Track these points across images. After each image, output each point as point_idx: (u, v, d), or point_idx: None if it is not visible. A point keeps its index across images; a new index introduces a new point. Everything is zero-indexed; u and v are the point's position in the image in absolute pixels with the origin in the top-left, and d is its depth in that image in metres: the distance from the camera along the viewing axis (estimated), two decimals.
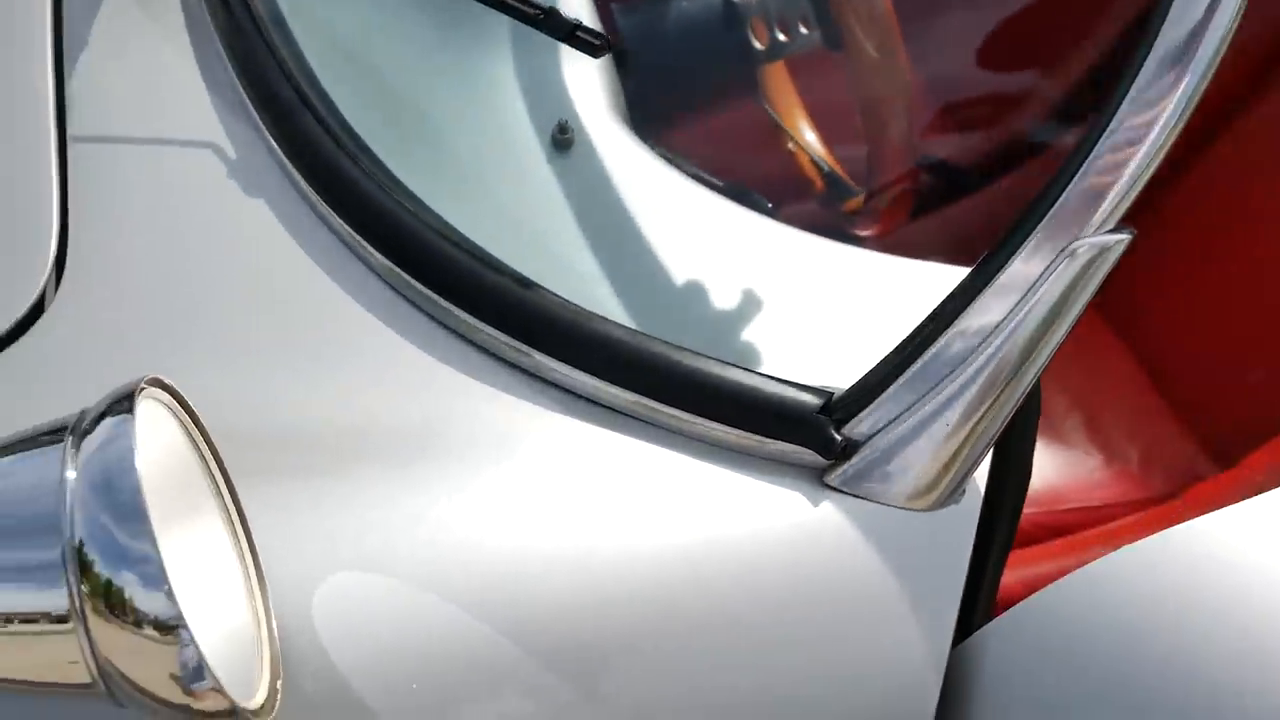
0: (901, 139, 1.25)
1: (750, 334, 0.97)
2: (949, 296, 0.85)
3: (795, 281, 1.00)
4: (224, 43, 1.07)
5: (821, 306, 0.99)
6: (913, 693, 0.87)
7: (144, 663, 0.69)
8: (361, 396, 0.92)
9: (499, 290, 0.92)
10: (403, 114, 1.10)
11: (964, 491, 0.87)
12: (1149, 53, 0.77)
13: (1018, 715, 0.88)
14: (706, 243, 1.02)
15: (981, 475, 0.88)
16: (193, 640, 0.69)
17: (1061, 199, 0.80)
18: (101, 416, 0.71)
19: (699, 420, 0.89)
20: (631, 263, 1.01)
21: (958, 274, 0.90)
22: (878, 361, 0.87)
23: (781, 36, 1.25)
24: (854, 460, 0.86)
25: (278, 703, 0.77)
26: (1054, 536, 1.20)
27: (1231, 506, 0.87)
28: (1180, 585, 0.85)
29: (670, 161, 1.07)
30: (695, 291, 1.00)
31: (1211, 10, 0.76)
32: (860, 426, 0.86)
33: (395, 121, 1.08)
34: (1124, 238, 0.79)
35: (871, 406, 0.86)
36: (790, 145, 1.29)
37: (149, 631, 0.68)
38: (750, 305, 0.98)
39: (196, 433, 0.80)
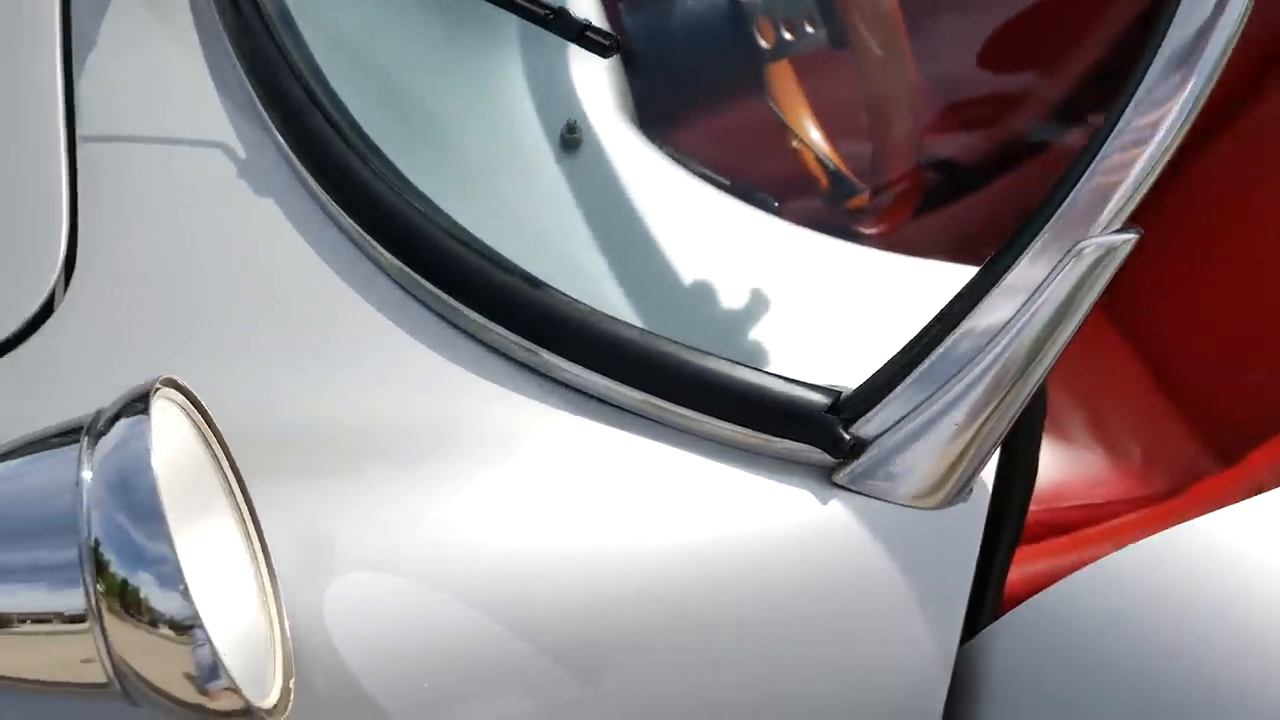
0: (906, 137, 1.26)
1: (755, 332, 0.97)
2: (956, 296, 0.85)
3: (801, 280, 1.00)
4: (232, 42, 1.07)
5: (828, 305, 0.99)
6: (921, 689, 0.87)
7: (159, 662, 0.70)
8: (370, 395, 0.92)
9: (507, 289, 0.93)
10: (411, 113, 1.10)
11: (971, 490, 0.88)
12: (1156, 53, 0.78)
13: (1025, 712, 0.89)
14: (714, 242, 1.03)
15: (988, 474, 0.89)
16: (208, 639, 0.69)
17: (1069, 199, 0.80)
18: (117, 417, 0.71)
19: (707, 419, 0.89)
20: (639, 262, 1.01)
21: (962, 272, 0.91)
22: (886, 361, 0.87)
23: (787, 35, 1.25)
24: (862, 459, 0.87)
25: (291, 702, 0.77)
26: (1056, 534, 1.20)
27: (1237, 505, 0.88)
28: (1187, 583, 0.85)
29: (678, 161, 1.07)
30: (702, 290, 1.00)
31: (1218, 11, 0.76)
32: (868, 425, 0.87)
33: (404, 121, 1.08)
34: (1130, 237, 0.80)
35: (879, 405, 0.86)
36: (795, 143, 1.29)
37: (164, 631, 0.68)
38: (756, 304, 0.98)
39: (209, 433, 0.80)
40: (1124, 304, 1.33)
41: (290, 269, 0.98)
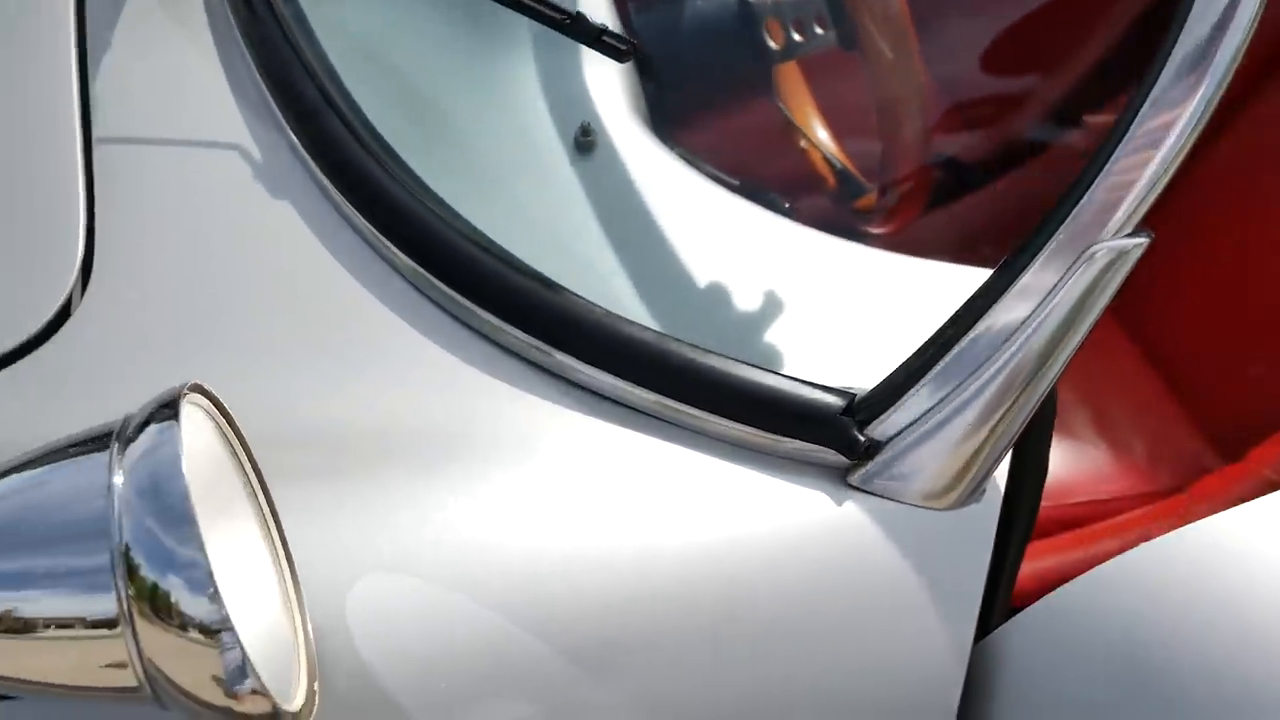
0: (915, 138, 1.26)
1: (765, 332, 0.98)
2: (970, 299, 0.86)
3: (812, 282, 1.01)
4: (247, 43, 1.07)
5: (839, 307, 1.00)
6: (936, 688, 0.88)
7: (188, 665, 0.70)
8: (385, 396, 0.93)
9: (522, 291, 0.93)
10: (426, 115, 1.11)
11: (984, 491, 0.88)
12: (1168, 57, 0.78)
13: (1039, 709, 0.89)
14: (726, 244, 1.03)
15: (1000, 474, 0.89)
16: (237, 642, 0.69)
17: (1081, 203, 0.80)
18: (146, 423, 0.71)
19: (721, 421, 0.89)
20: (653, 264, 1.02)
21: (971, 274, 0.91)
22: (899, 364, 0.88)
23: (797, 36, 1.25)
24: (877, 460, 0.87)
25: (316, 706, 0.77)
26: (1063, 529, 1.21)
27: (1251, 503, 0.88)
28: (1200, 582, 0.86)
29: (690, 163, 1.07)
30: (714, 291, 1.00)
31: (1230, 13, 0.77)
32: (883, 427, 0.87)
33: (419, 123, 1.08)
34: (1142, 241, 0.80)
35: (894, 408, 0.87)
36: (804, 144, 1.30)
37: (194, 634, 0.69)
38: (767, 305, 0.99)
39: (234, 438, 0.80)
40: (1128, 301, 1.33)
41: (305, 271, 0.98)
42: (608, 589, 0.86)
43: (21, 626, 0.72)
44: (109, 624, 0.69)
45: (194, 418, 0.74)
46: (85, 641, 0.71)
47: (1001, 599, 0.93)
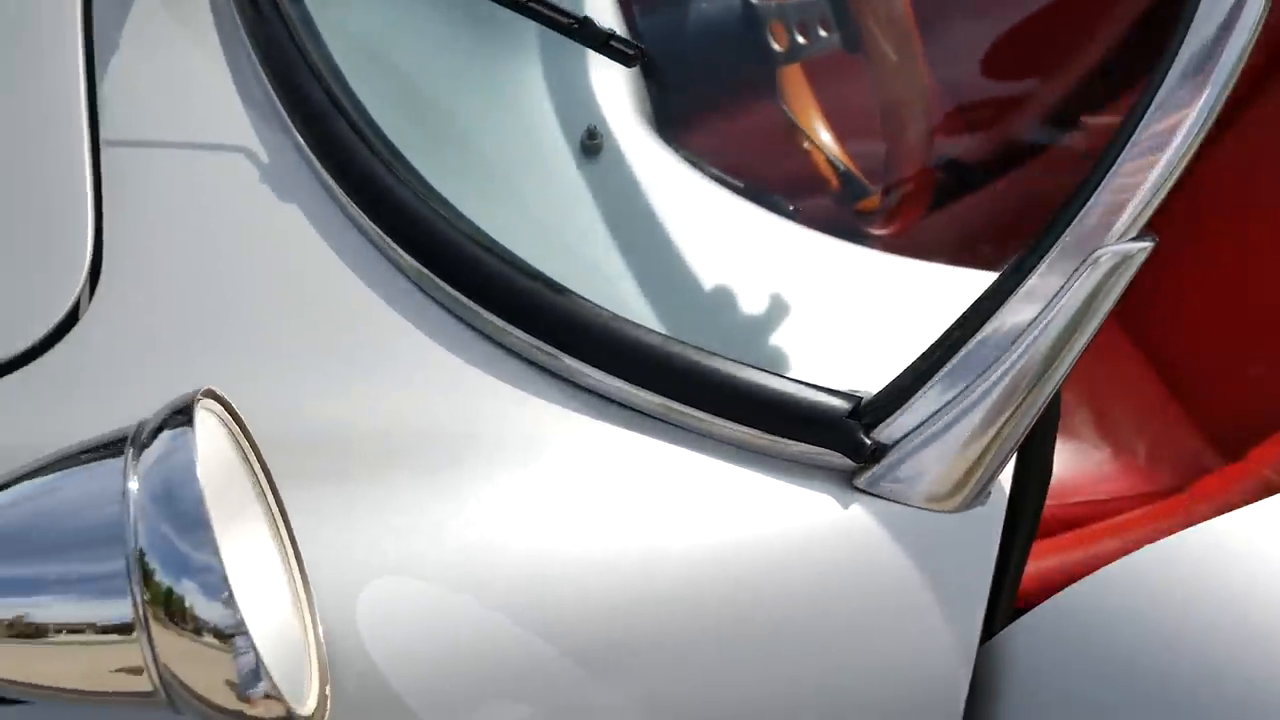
0: (918, 140, 1.26)
1: (771, 335, 0.98)
2: (975, 303, 0.86)
3: (816, 284, 1.01)
4: (253, 45, 1.07)
5: (842, 309, 1.00)
6: (942, 689, 0.88)
7: (202, 670, 0.70)
8: (391, 399, 0.93)
9: (528, 294, 0.93)
10: (432, 118, 1.11)
11: (989, 493, 0.89)
12: (1173, 60, 0.78)
13: (1044, 710, 0.90)
14: (733, 248, 1.03)
15: (1005, 477, 0.90)
16: (251, 647, 0.70)
17: (1086, 207, 0.81)
18: (160, 429, 0.72)
19: (728, 424, 0.90)
20: (659, 267, 1.02)
21: (974, 277, 0.91)
22: (905, 367, 0.88)
23: (801, 39, 1.26)
24: (882, 463, 0.88)
25: (328, 710, 0.78)
26: (1064, 529, 1.21)
27: (1255, 504, 0.89)
28: (1205, 583, 0.86)
29: (696, 165, 1.08)
30: (720, 294, 1.01)
31: (1234, 17, 0.77)
32: (889, 430, 0.87)
33: (425, 125, 1.08)
34: (1146, 245, 0.80)
35: (900, 411, 0.87)
36: (808, 146, 1.30)
37: (209, 639, 0.69)
38: (772, 307, 0.99)
39: (245, 443, 0.81)
40: (1128, 300, 1.34)
41: (312, 273, 0.98)
42: (614, 591, 0.86)
43: (34, 632, 0.72)
44: (123, 629, 0.69)
45: (207, 423, 0.75)
46: (99, 647, 0.71)
47: (1006, 600, 0.93)
